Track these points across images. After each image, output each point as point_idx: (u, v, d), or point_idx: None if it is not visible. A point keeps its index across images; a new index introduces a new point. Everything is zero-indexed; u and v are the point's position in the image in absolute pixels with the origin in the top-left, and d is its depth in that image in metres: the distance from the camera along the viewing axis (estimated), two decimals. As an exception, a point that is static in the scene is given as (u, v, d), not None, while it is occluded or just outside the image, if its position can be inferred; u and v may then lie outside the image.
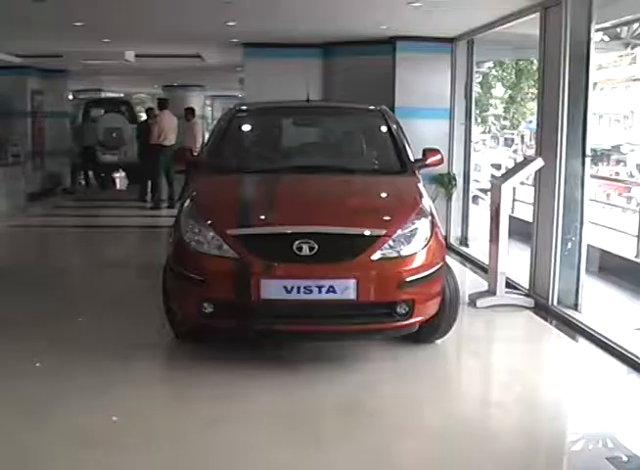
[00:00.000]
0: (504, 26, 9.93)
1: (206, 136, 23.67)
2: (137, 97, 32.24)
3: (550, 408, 5.65)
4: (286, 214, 6.24)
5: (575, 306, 7.90)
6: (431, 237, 6.17)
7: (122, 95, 28.08)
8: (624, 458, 4.73)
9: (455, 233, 11.98)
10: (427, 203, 6.60)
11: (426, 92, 11.84)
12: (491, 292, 8.20)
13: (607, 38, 11.25)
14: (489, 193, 9.30)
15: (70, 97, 23.13)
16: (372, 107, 8.14)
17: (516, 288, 8.61)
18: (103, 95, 27.16)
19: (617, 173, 36.53)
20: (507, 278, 8.33)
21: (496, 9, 9.31)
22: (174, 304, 6.46)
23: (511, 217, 8.87)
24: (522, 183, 12.04)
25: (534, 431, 5.22)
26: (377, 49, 12.15)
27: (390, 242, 5.93)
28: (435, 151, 7.73)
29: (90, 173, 20.73)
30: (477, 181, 15.92)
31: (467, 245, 11.87)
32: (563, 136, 7.74)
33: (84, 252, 12.49)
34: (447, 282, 6.51)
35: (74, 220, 15.28)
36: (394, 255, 5.94)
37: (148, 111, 18.47)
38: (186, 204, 6.64)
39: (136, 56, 15.16)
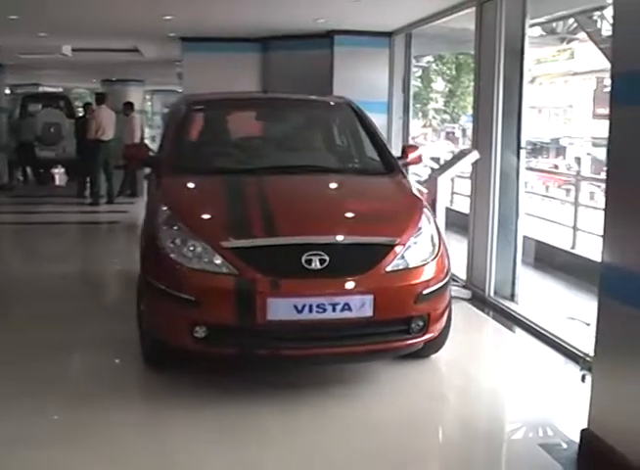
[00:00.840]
0: (441, 21, 10.01)
1: (147, 131, 23.91)
2: (76, 92, 31.93)
3: (486, 398, 5.68)
4: (290, 223, 5.51)
5: (512, 297, 8.01)
6: (440, 243, 5.73)
7: (61, 90, 27.76)
8: (558, 444, 4.78)
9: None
10: (426, 204, 6.18)
11: (364, 86, 11.85)
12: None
13: (543, 33, 11.36)
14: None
15: (8, 91, 22.76)
16: (339, 99, 7.75)
17: (454, 280, 8.67)
18: (41, 90, 26.80)
19: (557, 166, 37.08)
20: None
21: (433, 3, 9.39)
22: (156, 326, 5.63)
23: (449, 210, 8.95)
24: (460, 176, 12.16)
25: (471, 421, 5.23)
26: (315, 43, 12.22)
27: (404, 251, 5.41)
28: (415, 147, 7.40)
29: (28, 169, 20.41)
30: (416, 174, 16.01)
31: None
32: (498, 129, 7.83)
33: (20, 249, 12.20)
34: None
35: (11, 217, 14.97)
36: (408, 265, 5.42)
37: (85, 106, 18.28)
38: (160, 210, 5.80)
39: (73, 50, 15.02)
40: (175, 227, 5.50)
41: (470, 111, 37.20)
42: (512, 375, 6.24)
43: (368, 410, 5.32)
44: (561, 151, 44.86)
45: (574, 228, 11.22)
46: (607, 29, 11.94)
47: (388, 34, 11.81)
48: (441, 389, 5.95)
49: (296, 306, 5.06)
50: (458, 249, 9.07)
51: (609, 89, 4.27)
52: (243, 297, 5.09)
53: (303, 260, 5.14)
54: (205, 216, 5.69)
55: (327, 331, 5.25)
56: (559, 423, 5.16)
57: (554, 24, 13.13)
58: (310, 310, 5.07)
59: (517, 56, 7.72)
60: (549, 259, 10.50)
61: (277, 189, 6.09)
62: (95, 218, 14.13)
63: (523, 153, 7.93)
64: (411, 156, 7.06)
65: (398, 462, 4.60)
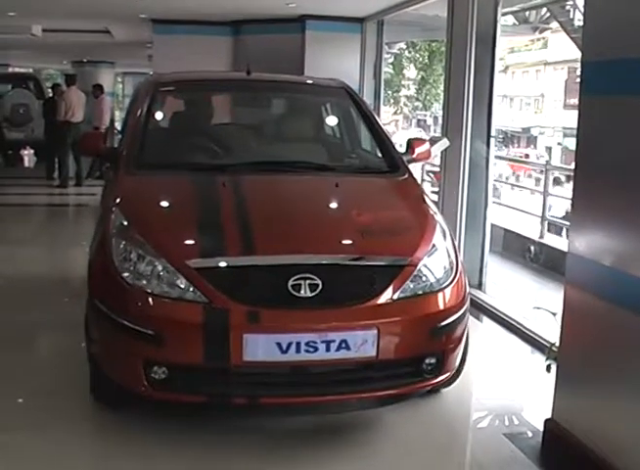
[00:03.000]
0: (413, 7, 9.99)
1: (117, 114, 23.71)
2: (46, 73, 31.66)
3: (451, 388, 5.50)
4: (273, 237, 4.46)
5: (479, 286, 8.01)
6: (457, 262, 4.68)
7: (30, 70, 27.50)
8: (522, 433, 4.78)
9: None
10: (438, 213, 5.12)
11: (335, 71, 11.63)
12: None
13: (516, 22, 11.39)
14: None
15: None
16: (333, 83, 6.47)
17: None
18: (10, 70, 26.53)
19: (527, 155, 37.27)
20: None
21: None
22: (104, 361, 4.51)
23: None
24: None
25: (436, 410, 5.18)
26: (286, 27, 12.20)
27: (416, 273, 4.36)
28: (422, 141, 6.11)
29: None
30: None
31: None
32: (468, 117, 7.82)
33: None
34: None
35: None
36: (421, 291, 4.38)
37: (54, 87, 18.10)
38: (112, 216, 4.70)
39: (44, 30, 14.89)
40: (131, 239, 4.40)
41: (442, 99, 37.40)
42: (478, 365, 6.13)
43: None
44: (532, 140, 45.15)
45: (543, 218, 11.26)
46: (579, 19, 12.01)
47: (360, 20, 11.77)
48: None
49: (279, 345, 4.00)
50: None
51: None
52: (213, 331, 4.03)
53: (290, 286, 4.09)
54: (169, 227, 4.56)
55: (319, 376, 4.26)
56: (524, 413, 5.17)
57: (527, 14, 13.16)
58: (298, 350, 4.02)
59: (488, 44, 7.70)
60: (517, 248, 10.55)
61: (259, 193, 5.01)
62: (63, 201, 14.00)
63: (492, 141, 7.93)
64: (418, 151, 5.84)
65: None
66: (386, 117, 29.40)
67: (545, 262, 10.01)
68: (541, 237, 10.93)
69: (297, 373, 4.21)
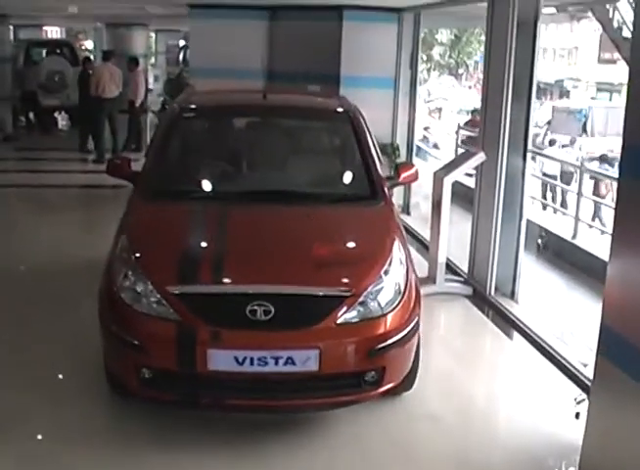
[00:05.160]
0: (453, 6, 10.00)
1: (150, 81, 23.71)
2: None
3: (475, 423, 5.69)
4: (238, 269, 5.25)
5: (512, 296, 8.11)
6: (405, 289, 5.29)
7: (65, 37, 27.53)
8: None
9: (397, 202, 12.11)
10: (400, 243, 5.68)
11: (371, 61, 11.84)
12: (431, 279, 8.36)
13: (554, 11, 11.33)
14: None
15: (11, 36, 22.54)
16: (340, 108, 7.16)
17: (457, 274, 8.80)
18: (44, 30, 26.59)
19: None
20: (448, 259, 8.51)
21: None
22: (109, 365, 5.47)
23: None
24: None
25: (463, 442, 5.35)
26: (324, 15, 12.09)
27: (359, 301, 5.04)
28: (409, 165, 7.02)
29: (31, 115, 20.31)
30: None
31: (408, 213, 12.07)
32: (506, 132, 7.82)
33: (15, 222, 11.46)
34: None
35: (12, 177, 14.48)
36: (363, 317, 5.05)
37: (85, 61, 18.17)
38: (121, 238, 5.60)
39: (79, 8, 14.92)
40: (130, 263, 5.28)
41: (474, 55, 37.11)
42: (504, 394, 6.29)
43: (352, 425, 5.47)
44: (564, 93, 44.51)
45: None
46: (618, 20, 11.93)
47: (398, 10, 11.71)
48: (429, 410, 5.81)
49: (236, 358, 4.85)
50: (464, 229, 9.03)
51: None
52: (184, 345, 4.91)
53: (248, 311, 4.89)
54: (159, 255, 5.40)
55: (270, 383, 5.03)
56: (550, 457, 5.17)
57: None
58: (251, 363, 4.85)
59: (527, 63, 7.68)
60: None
61: (239, 225, 5.75)
62: (99, 181, 13.97)
63: (528, 156, 7.98)
64: (403, 175, 6.71)
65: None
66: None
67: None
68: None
69: (254, 380, 4.98)
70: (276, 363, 4.85)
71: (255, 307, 4.90)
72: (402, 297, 5.24)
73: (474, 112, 20.70)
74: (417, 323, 5.36)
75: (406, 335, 5.20)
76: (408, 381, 5.63)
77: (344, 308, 5.00)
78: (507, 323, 7.62)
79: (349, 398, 5.21)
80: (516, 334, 7.42)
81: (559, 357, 6.68)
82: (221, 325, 4.91)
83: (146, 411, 5.48)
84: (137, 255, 5.33)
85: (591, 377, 4.81)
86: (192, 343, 4.88)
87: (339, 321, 4.99)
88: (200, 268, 5.29)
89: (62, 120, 21.05)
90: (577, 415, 5.32)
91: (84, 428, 5.37)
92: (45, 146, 17.70)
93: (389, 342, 5.08)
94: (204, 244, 5.76)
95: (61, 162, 15.78)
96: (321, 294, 5.09)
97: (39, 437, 5.25)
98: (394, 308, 5.16)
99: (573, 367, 6.40)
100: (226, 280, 5.21)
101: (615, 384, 4.24)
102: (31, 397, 5.71)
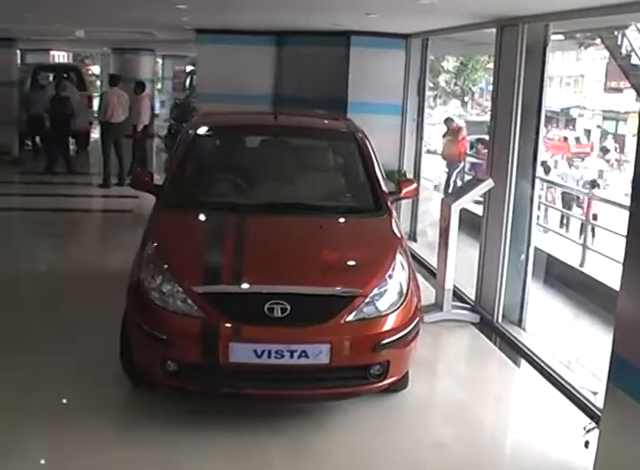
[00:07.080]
0: (460, 33, 9.99)
1: (157, 106, 23.77)
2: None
3: (488, 446, 5.69)
4: (257, 271, 5.78)
5: (519, 323, 8.05)
6: (408, 291, 5.85)
7: (71, 61, 27.62)
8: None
9: (404, 228, 12.07)
10: (403, 249, 6.25)
11: (379, 87, 11.82)
12: (438, 305, 8.31)
13: (562, 37, 11.34)
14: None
15: (19, 60, 22.56)
16: (345, 129, 7.76)
17: (464, 301, 8.74)
18: (51, 55, 26.66)
19: (566, 138, 36.90)
20: (455, 286, 8.45)
21: (452, 20, 9.34)
22: (136, 357, 5.89)
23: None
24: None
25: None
26: (331, 40, 12.07)
27: (366, 302, 5.58)
28: (410, 181, 7.69)
29: (37, 139, 20.26)
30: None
31: (415, 240, 12.01)
32: (514, 158, 7.81)
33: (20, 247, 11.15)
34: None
35: (14, 201, 14.29)
36: (369, 315, 5.61)
37: (57, 84, 18.08)
38: (148, 244, 6.12)
39: (86, 32, 14.96)
40: (157, 266, 5.81)
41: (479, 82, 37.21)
42: (512, 422, 6.24)
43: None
44: (570, 121, 44.55)
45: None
46: (626, 47, 11.92)
47: (405, 37, 11.71)
48: (437, 438, 5.82)
49: (255, 351, 5.35)
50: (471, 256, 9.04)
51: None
52: (207, 339, 5.44)
53: (266, 309, 5.42)
54: (184, 258, 5.96)
55: (285, 374, 5.54)
56: None
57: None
58: (269, 356, 5.36)
59: (535, 89, 7.70)
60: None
61: (255, 232, 6.30)
62: (105, 205, 13.94)
63: (537, 183, 7.95)
64: (405, 191, 7.28)
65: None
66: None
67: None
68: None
69: (269, 372, 5.49)
70: (291, 356, 5.36)
71: (273, 305, 5.43)
72: (405, 298, 5.79)
73: (478, 141, 20.63)
74: (418, 323, 5.90)
75: (408, 333, 5.73)
76: (404, 380, 6.17)
77: (353, 308, 5.54)
78: (514, 351, 7.57)
79: (358, 388, 5.77)
80: (523, 362, 7.36)
81: (567, 386, 6.63)
82: (242, 321, 5.42)
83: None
84: (164, 258, 5.89)
85: (600, 405, 4.76)
86: (215, 337, 5.40)
87: (348, 319, 5.53)
88: (222, 270, 5.86)
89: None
90: (587, 444, 5.25)
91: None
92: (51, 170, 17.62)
93: (393, 338, 5.61)
94: (224, 249, 6.15)
95: (65, 185, 15.72)
96: (332, 294, 5.63)
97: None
98: (398, 309, 5.71)
99: (582, 395, 6.36)
100: (246, 280, 5.70)
101: (625, 412, 4.19)
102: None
